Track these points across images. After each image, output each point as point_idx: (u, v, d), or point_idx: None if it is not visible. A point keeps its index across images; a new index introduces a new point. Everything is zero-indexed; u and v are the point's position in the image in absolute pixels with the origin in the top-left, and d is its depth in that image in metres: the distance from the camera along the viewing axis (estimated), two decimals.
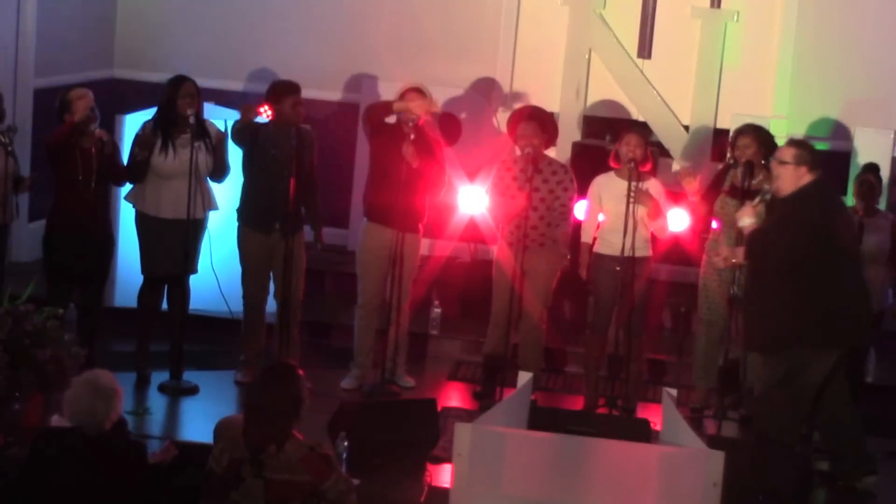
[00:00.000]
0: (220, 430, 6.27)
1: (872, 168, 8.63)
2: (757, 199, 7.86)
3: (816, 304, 7.48)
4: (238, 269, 8.99)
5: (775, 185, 7.67)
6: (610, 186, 8.68)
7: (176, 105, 8.59)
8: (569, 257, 8.78)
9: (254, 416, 5.58)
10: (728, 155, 8.96)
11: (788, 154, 7.61)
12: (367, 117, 8.99)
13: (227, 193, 9.12)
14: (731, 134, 8.90)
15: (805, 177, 7.56)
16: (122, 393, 5.99)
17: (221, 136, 8.80)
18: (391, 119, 8.85)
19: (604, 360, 8.83)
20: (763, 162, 8.60)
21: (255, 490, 5.51)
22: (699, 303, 8.84)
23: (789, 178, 7.58)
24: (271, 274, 8.88)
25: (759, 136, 8.66)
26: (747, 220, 7.71)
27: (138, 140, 8.67)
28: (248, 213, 8.82)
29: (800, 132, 10.81)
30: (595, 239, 8.75)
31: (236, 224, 8.92)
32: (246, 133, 8.68)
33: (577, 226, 8.92)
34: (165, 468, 6.21)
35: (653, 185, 8.72)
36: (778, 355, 7.63)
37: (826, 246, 7.46)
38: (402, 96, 8.81)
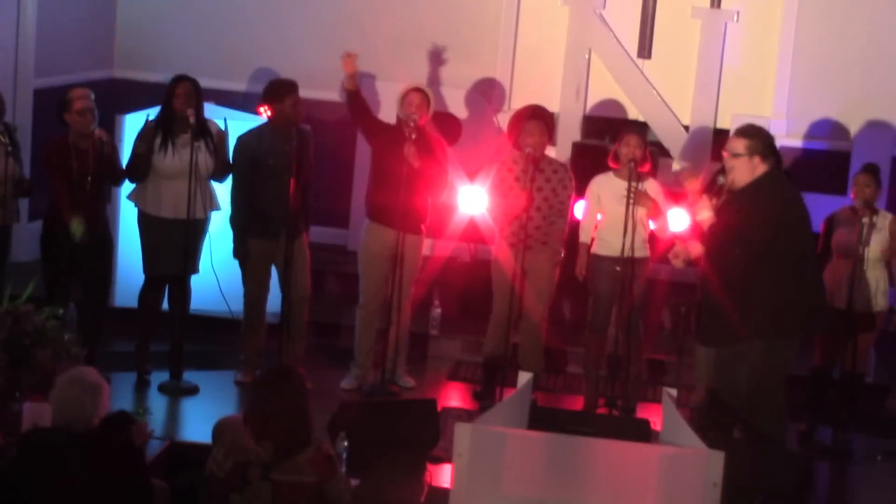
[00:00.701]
0: (219, 431, 6.27)
1: (871, 168, 8.62)
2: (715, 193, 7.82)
3: (775, 295, 7.39)
4: (238, 268, 8.99)
5: (730, 177, 7.53)
6: (609, 187, 8.68)
7: (175, 105, 8.60)
8: (562, 254, 8.76)
9: (282, 422, 5.53)
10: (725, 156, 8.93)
11: (740, 145, 7.46)
12: (349, 114, 9.00)
13: (227, 192, 9.11)
14: (732, 132, 8.89)
15: (759, 166, 7.44)
16: (108, 388, 5.97)
17: (222, 136, 8.80)
18: (387, 109, 8.87)
19: (604, 360, 8.83)
20: None
21: (262, 493, 5.50)
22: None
23: (743, 169, 7.44)
24: (273, 273, 8.88)
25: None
26: (705, 213, 7.63)
27: (140, 134, 8.68)
28: (253, 224, 8.78)
29: (800, 132, 10.82)
30: (593, 239, 8.75)
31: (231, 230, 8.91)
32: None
33: (575, 225, 8.92)
34: (165, 464, 6.20)
35: (651, 186, 8.72)
36: (734, 349, 7.59)
37: (784, 236, 7.39)
38: (403, 97, 8.82)
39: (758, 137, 7.47)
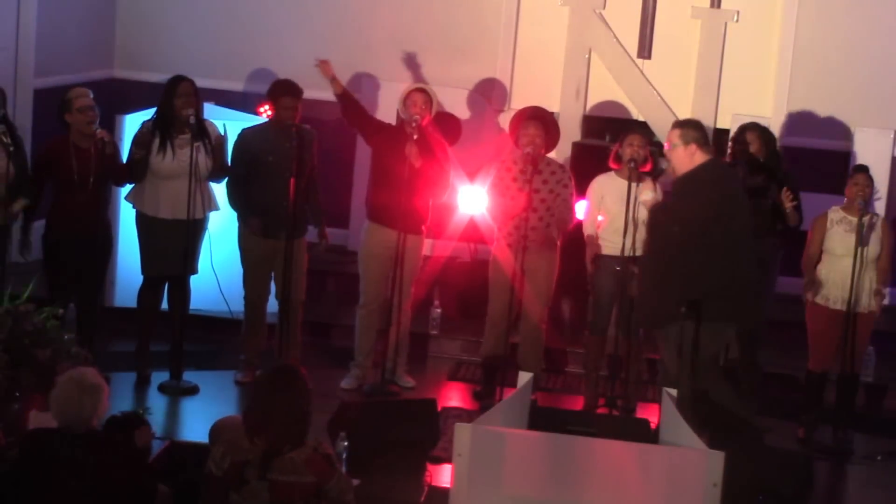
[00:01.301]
0: (217, 431, 6.26)
1: (863, 169, 8.64)
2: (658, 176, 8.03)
3: (704, 280, 7.48)
4: (238, 269, 8.99)
5: (670, 168, 7.74)
6: (610, 187, 8.68)
7: (173, 105, 8.60)
8: (558, 240, 8.75)
9: (278, 419, 5.54)
10: (728, 153, 8.95)
11: (674, 136, 7.65)
12: (344, 117, 9.02)
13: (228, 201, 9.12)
14: (734, 131, 8.89)
15: (697, 154, 7.57)
16: (108, 389, 5.97)
17: (221, 140, 8.80)
18: (387, 108, 8.88)
19: (604, 360, 8.83)
20: (762, 161, 8.61)
21: (259, 492, 5.50)
22: None
23: (681, 159, 7.60)
24: (272, 274, 8.88)
25: (764, 135, 8.67)
26: (648, 193, 7.79)
27: (136, 140, 8.68)
28: (256, 222, 8.79)
29: (800, 132, 10.82)
30: (595, 239, 8.74)
31: (237, 224, 8.91)
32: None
33: (578, 225, 8.93)
34: (165, 464, 6.20)
35: (651, 186, 8.72)
36: (668, 331, 7.64)
37: (716, 225, 7.47)
38: (406, 97, 8.82)
39: (691, 127, 7.67)
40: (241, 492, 5.50)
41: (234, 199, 8.84)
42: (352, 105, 8.97)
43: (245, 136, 8.82)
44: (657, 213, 7.75)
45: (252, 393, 5.67)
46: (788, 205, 8.56)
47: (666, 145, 7.77)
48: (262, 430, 5.54)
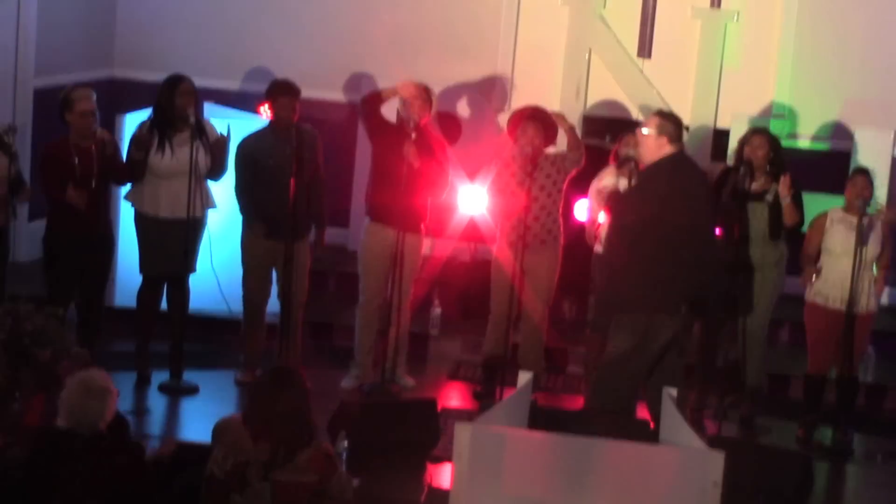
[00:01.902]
0: (219, 432, 6.26)
1: (862, 171, 8.64)
2: (622, 164, 8.09)
3: (657, 272, 7.55)
4: (238, 268, 8.99)
5: (638, 153, 7.84)
6: (609, 183, 8.67)
7: (173, 104, 8.59)
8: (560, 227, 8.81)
9: (284, 423, 5.54)
10: (733, 157, 8.93)
11: (651, 123, 7.75)
12: (362, 110, 9.01)
13: (228, 193, 9.12)
14: (744, 133, 8.88)
15: (665, 147, 7.66)
16: (116, 392, 5.98)
17: (222, 140, 8.80)
18: (388, 107, 8.87)
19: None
20: (767, 166, 8.60)
21: (262, 493, 5.50)
22: None
23: (651, 147, 7.69)
24: (273, 275, 8.88)
25: (772, 139, 8.67)
26: (609, 179, 7.83)
27: (134, 140, 8.67)
28: (257, 224, 8.80)
29: (800, 132, 10.82)
30: (596, 238, 8.75)
31: (238, 224, 8.92)
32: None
33: (578, 226, 8.94)
34: (166, 465, 6.21)
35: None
36: (621, 321, 7.69)
37: (671, 217, 7.53)
38: (406, 97, 8.82)
39: (670, 121, 7.75)
40: (244, 493, 5.50)
41: (242, 205, 8.84)
42: (378, 106, 8.95)
43: (245, 143, 8.83)
44: (614, 202, 7.79)
45: (251, 397, 5.67)
46: (786, 192, 8.50)
47: (639, 131, 7.86)
48: (267, 434, 5.53)
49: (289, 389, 5.59)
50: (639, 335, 7.63)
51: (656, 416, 7.68)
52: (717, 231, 8.71)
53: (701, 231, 7.76)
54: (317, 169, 8.85)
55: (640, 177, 7.79)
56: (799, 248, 8.76)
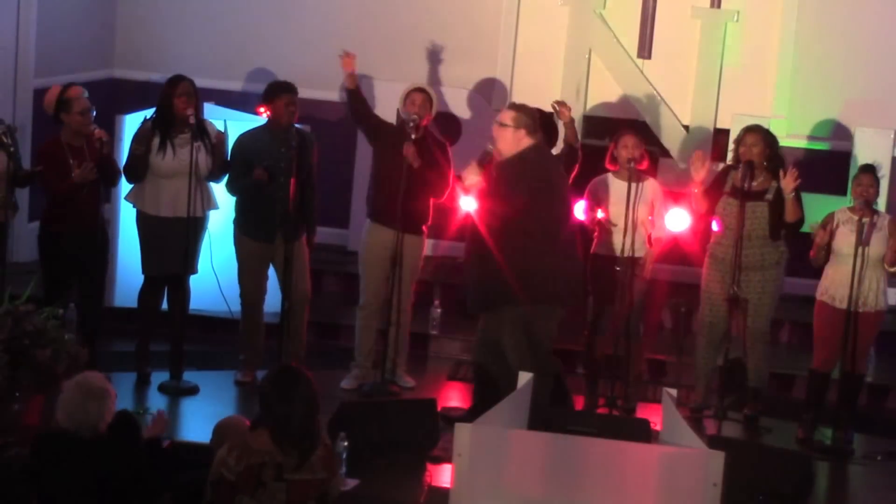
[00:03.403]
0: (222, 433, 6.25)
1: (872, 168, 8.62)
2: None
3: (530, 263, 7.64)
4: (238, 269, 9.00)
5: (495, 147, 7.84)
6: (608, 188, 8.69)
7: (173, 105, 8.60)
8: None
9: (303, 421, 5.53)
10: (730, 155, 8.94)
11: (508, 117, 7.80)
12: (352, 115, 9.03)
13: (227, 193, 9.12)
14: (738, 133, 8.88)
15: (524, 140, 7.74)
16: (114, 393, 5.98)
17: (222, 137, 8.80)
18: (388, 107, 8.88)
19: (604, 360, 8.82)
20: (765, 163, 8.60)
21: (276, 493, 5.49)
22: (701, 305, 8.82)
23: (509, 140, 7.76)
24: (269, 274, 8.87)
25: (767, 137, 8.66)
26: (473, 177, 7.81)
27: (136, 136, 8.68)
28: (248, 225, 8.80)
29: (800, 132, 10.81)
30: (595, 239, 8.75)
31: (232, 229, 8.92)
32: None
33: (578, 226, 8.94)
34: (159, 444, 6.18)
35: (651, 185, 8.73)
36: (497, 314, 7.71)
37: (537, 209, 7.60)
38: (406, 97, 8.82)
39: (526, 113, 7.83)
40: (256, 494, 5.48)
41: (233, 186, 8.83)
42: (361, 103, 8.98)
43: (241, 141, 8.82)
44: (488, 199, 7.74)
45: (264, 398, 5.63)
46: (792, 184, 8.48)
47: (494, 125, 7.87)
48: (291, 438, 5.51)
49: (301, 389, 5.59)
50: (522, 327, 7.64)
51: (490, 397, 7.70)
52: (718, 230, 8.72)
53: (567, 221, 7.88)
54: (310, 172, 8.85)
55: (505, 170, 7.77)
56: (799, 249, 8.76)
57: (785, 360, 9.60)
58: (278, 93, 8.74)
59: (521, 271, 7.69)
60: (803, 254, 8.69)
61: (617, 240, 8.54)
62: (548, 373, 7.88)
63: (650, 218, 8.71)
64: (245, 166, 8.71)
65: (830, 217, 8.59)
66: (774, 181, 8.62)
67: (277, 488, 5.49)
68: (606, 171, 8.80)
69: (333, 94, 10.63)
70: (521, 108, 7.92)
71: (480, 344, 8.16)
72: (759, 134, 8.64)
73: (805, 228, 8.73)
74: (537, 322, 7.82)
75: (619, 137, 8.73)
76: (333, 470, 5.60)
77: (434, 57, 11.11)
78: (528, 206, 7.63)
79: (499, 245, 7.71)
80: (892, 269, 8.45)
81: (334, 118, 10.73)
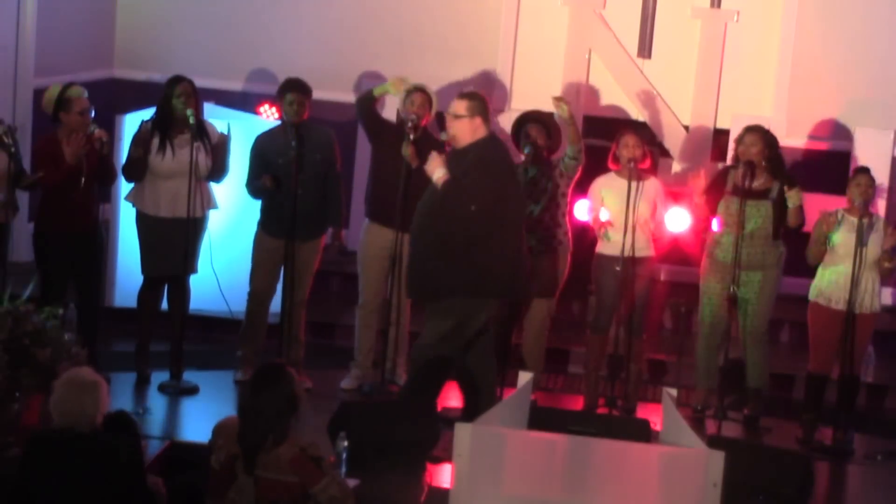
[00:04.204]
0: (222, 432, 6.26)
1: (864, 171, 8.63)
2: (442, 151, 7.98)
3: (483, 255, 7.60)
4: (239, 268, 9.00)
5: (452, 138, 7.76)
6: (611, 187, 8.69)
7: (173, 105, 8.60)
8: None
9: (248, 417, 5.61)
10: (731, 154, 8.93)
11: (462, 107, 7.71)
12: (358, 111, 9.02)
13: (228, 193, 9.12)
14: (738, 133, 8.88)
15: (481, 128, 7.69)
16: (106, 385, 5.98)
17: (223, 139, 8.80)
18: (388, 107, 8.88)
19: (604, 360, 8.83)
20: (764, 163, 8.60)
21: (246, 487, 5.54)
22: (700, 305, 8.82)
23: (466, 130, 7.68)
24: (281, 273, 8.87)
25: (766, 137, 8.66)
26: (439, 171, 7.70)
27: (135, 138, 8.68)
28: (269, 222, 8.81)
29: (800, 132, 10.81)
30: (597, 239, 8.75)
31: (241, 224, 8.93)
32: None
33: (579, 226, 8.94)
34: (158, 463, 6.19)
35: (653, 184, 8.73)
36: (440, 305, 7.70)
37: (490, 202, 7.57)
38: (405, 97, 8.82)
39: (478, 101, 7.77)
40: (233, 487, 5.54)
41: (249, 187, 8.84)
42: (374, 106, 8.95)
43: (259, 140, 8.85)
44: (450, 190, 7.66)
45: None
46: (798, 200, 8.51)
47: (450, 117, 7.79)
48: (240, 427, 5.60)
49: (268, 386, 5.61)
50: (456, 319, 7.66)
51: (472, 396, 7.92)
52: (718, 229, 8.71)
53: (521, 213, 7.88)
54: (332, 167, 8.84)
55: (460, 160, 7.67)
56: (797, 249, 8.76)
57: (785, 360, 9.60)
58: (283, 91, 8.77)
59: (469, 263, 7.63)
60: (802, 253, 8.69)
61: (618, 239, 8.54)
62: (450, 364, 7.90)
63: (651, 217, 8.72)
64: (264, 166, 8.72)
65: (825, 216, 8.59)
66: (775, 181, 8.62)
67: (247, 482, 5.54)
68: (608, 170, 8.80)
69: (333, 94, 10.64)
70: (473, 96, 7.84)
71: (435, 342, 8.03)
72: (758, 133, 8.65)
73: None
74: (473, 314, 7.75)
75: (620, 137, 8.74)
76: (310, 477, 5.58)
77: (434, 57, 11.11)
78: (493, 201, 7.56)
79: (449, 235, 7.64)
80: (888, 266, 8.44)
81: (334, 118, 10.73)
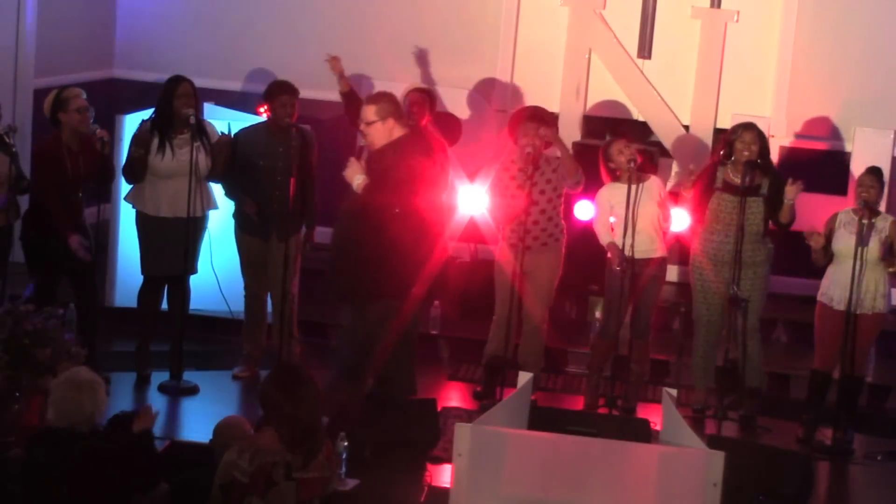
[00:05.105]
0: (222, 433, 6.25)
1: (875, 170, 8.61)
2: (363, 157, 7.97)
3: (405, 256, 7.62)
4: (238, 268, 9.00)
5: (369, 144, 7.70)
6: (618, 192, 8.64)
7: (172, 105, 8.60)
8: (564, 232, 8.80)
9: (296, 426, 5.54)
10: (722, 152, 8.86)
11: (371, 112, 7.65)
12: (348, 115, 9.03)
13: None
14: (731, 128, 8.86)
15: (396, 128, 7.65)
16: (104, 384, 5.98)
17: (224, 139, 8.79)
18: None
19: (609, 362, 8.79)
20: (759, 161, 8.60)
21: (287, 492, 5.50)
22: (694, 303, 8.81)
23: (380, 133, 7.63)
24: (268, 272, 8.88)
25: (761, 135, 8.66)
26: (359, 177, 7.68)
27: (135, 138, 8.68)
28: (245, 221, 8.83)
29: (799, 132, 10.81)
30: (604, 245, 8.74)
31: (233, 227, 8.94)
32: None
33: (580, 225, 8.94)
34: (148, 437, 6.17)
35: (654, 181, 8.73)
36: (367, 308, 7.68)
37: (419, 199, 7.60)
38: (405, 96, 8.83)
39: (386, 101, 7.71)
40: (267, 495, 5.49)
41: (230, 191, 8.86)
42: (356, 104, 8.98)
43: (239, 136, 8.84)
44: (373, 194, 7.64)
45: (268, 398, 5.64)
46: (793, 195, 8.49)
47: (362, 125, 7.75)
48: (298, 438, 5.53)
49: (305, 389, 5.60)
50: (383, 321, 7.67)
51: (389, 372, 7.91)
52: (711, 222, 8.70)
53: (434, 212, 7.88)
54: (310, 169, 8.85)
55: (378, 161, 7.66)
56: (787, 248, 8.75)
57: (782, 359, 9.59)
58: (277, 93, 8.77)
59: (397, 264, 7.63)
60: (797, 252, 8.69)
61: (620, 240, 8.52)
62: (360, 372, 7.93)
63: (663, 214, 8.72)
64: (243, 162, 8.71)
65: (833, 218, 8.59)
66: (765, 178, 8.60)
67: (288, 487, 5.51)
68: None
69: (333, 94, 10.61)
70: (380, 98, 7.77)
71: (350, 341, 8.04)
72: (756, 132, 8.64)
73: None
74: (391, 317, 7.77)
75: (608, 146, 8.70)
76: (333, 469, 5.62)
77: (434, 57, 11.11)
78: (399, 198, 7.55)
79: (370, 236, 7.63)
80: (892, 270, 8.44)
81: (333, 118, 10.73)
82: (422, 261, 7.66)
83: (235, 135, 8.85)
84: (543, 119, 8.77)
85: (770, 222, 8.65)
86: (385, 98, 7.74)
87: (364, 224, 7.64)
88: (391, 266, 7.60)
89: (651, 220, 8.60)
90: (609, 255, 8.59)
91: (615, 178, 8.66)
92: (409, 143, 7.67)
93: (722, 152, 8.74)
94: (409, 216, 7.56)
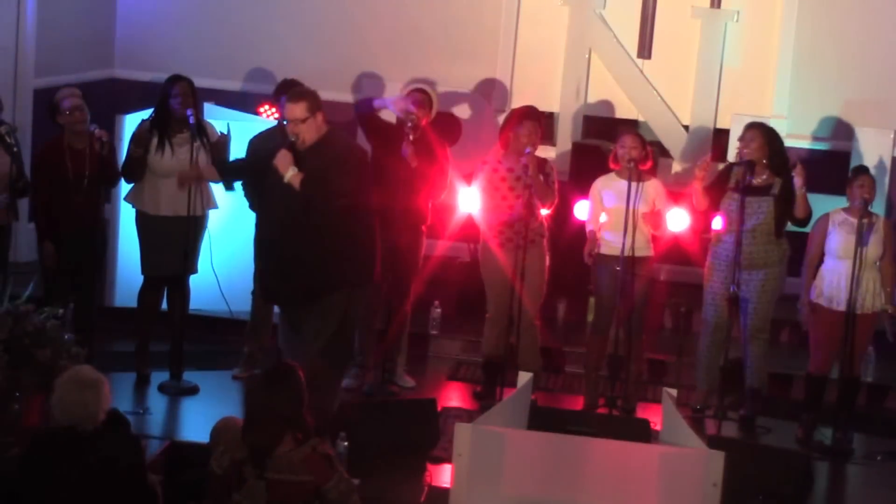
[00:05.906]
0: (219, 431, 6.26)
1: (864, 170, 8.62)
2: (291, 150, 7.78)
3: (360, 246, 7.59)
4: (239, 268, 9.01)
5: (301, 142, 7.55)
6: (611, 187, 8.69)
7: (171, 105, 8.60)
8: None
9: (255, 418, 5.59)
10: (734, 153, 8.90)
11: (301, 109, 7.52)
12: (357, 116, 9.01)
13: (227, 193, 9.11)
14: (740, 131, 8.88)
15: (323, 123, 7.57)
16: (107, 382, 5.98)
17: (223, 139, 8.80)
18: (384, 114, 8.88)
19: (604, 360, 8.82)
20: (765, 160, 8.59)
21: (257, 491, 5.52)
22: (705, 305, 8.80)
23: (311, 129, 7.53)
24: None
25: (767, 134, 8.65)
26: (291, 169, 7.54)
27: (134, 138, 8.69)
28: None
29: (800, 132, 10.81)
30: (598, 239, 8.75)
31: (241, 225, 8.93)
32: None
33: (577, 224, 8.94)
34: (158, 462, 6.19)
35: (653, 185, 8.73)
36: (325, 302, 7.61)
37: (357, 188, 7.54)
38: (405, 97, 8.82)
39: (312, 96, 7.61)
40: (241, 491, 5.52)
41: (247, 192, 8.85)
42: (374, 110, 8.94)
43: (254, 140, 8.83)
44: (316, 186, 7.53)
45: (246, 393, 5.71)
46: (801, 182, 8.48)
47: (289, 125, 7.60)
48: (248, 428, 5.57)
49: (279, 388, 5.60)
50: (342, 313, 7.61)
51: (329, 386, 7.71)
52: (721, 228, 8.70)
53: (367, 199, 7.79)
54: None
55: (318, 156, 7.56)
56: (801, 248, 8.75)
57: (784, 360, 9.59)
58: (279, 92, 8.76)
59: (348, 254, 7.57)
60: (802, 254, 8.69)
61: (617, 239, 8.53)
62: (346, 363, 7.90)
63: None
64: (262, 166, 8.69)
65: (825, 219, 8.58)
66: (778, 178, 8.60)
67: (257, 486, 5.52)
68: (608, 170, 8.79)
69: (333, 94, 10.63)
70: (306, 95, 7.64)
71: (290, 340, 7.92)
72: (758, 130, 8.64)
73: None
74: (354, 304, 7.71)
75: (619, 137, 8.75)
76: (324, 475, 5.58)
77: (434, 57, 11.11)
78: (347, 188, 7.50)
79: (325, 229, 7.53)
80: (891, 312, 8.48)
81: (334, 118, 10.72)
82: (373, 245, 7.66)
83: (250, 141, 8.82)
84: (538, 118, 8.81)
85: (787, 223, 8.64)
86: (309, 93, 7.67)
87: (312, 218, 7.56)
88: (346, 255, 7.57)
89: (640, 220, 8.59)
90: (587, 242, 8.61)
91: (617, 166, 8.68)
92: (339, 136, 7.67)
93: (736, 154, 8.77)
94: (354, 206, 7.56)
